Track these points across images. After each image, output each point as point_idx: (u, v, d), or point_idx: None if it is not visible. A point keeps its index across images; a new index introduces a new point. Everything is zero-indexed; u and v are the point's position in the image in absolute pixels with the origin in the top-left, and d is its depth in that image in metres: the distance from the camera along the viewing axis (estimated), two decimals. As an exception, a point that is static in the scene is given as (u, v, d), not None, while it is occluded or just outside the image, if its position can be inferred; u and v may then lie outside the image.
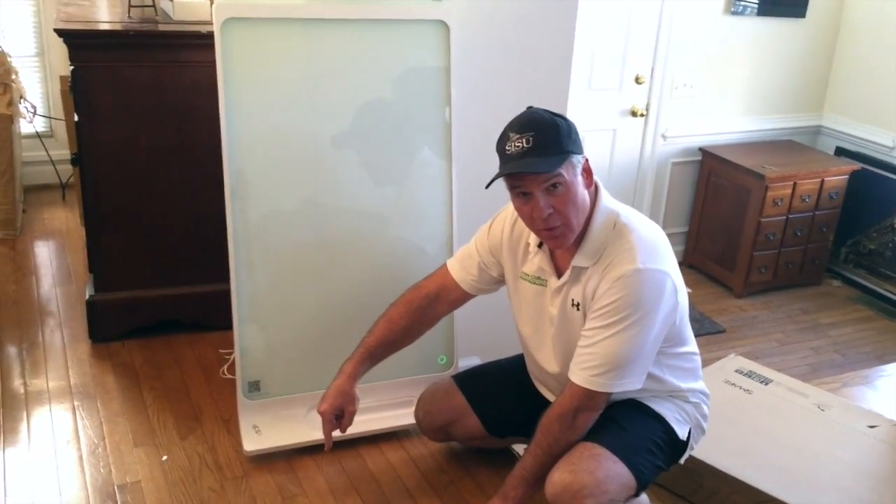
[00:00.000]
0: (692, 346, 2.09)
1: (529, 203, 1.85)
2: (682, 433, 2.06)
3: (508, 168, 1.84)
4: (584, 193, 1.89)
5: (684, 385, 2.07)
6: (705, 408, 2.14)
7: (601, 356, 1.87)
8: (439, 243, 2.57)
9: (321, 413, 2.16)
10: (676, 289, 1.91)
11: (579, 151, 1.87)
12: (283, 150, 2.38)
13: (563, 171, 1.82)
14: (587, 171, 1.91)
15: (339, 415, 2.18)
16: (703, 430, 2.15)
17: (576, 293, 1.96)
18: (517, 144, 1.82)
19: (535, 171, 1.81)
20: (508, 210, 2.10)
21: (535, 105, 1.93)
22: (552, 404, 1.99)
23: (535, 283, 2.06)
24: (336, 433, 2.20)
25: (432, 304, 2.23)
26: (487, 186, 1.89)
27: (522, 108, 1.94)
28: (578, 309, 1.96)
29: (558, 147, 1.82)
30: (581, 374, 1.90)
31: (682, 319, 2.00)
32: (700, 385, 2.12)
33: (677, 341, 2.02)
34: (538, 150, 1.81)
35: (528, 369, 2.26)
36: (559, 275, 1.99)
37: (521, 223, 2.01)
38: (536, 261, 2.04)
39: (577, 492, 1.83)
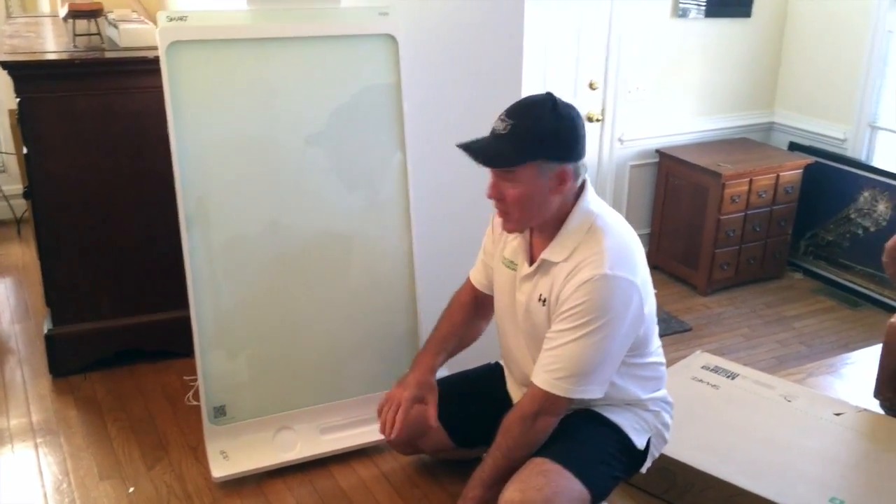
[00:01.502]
0: (658, 356, 2.07)
1: (490, 179, 1.88)
2: (639, 442, 2.03)
3: (471, 143, 1.84)
4: (544, 198, 1.86)
5: (644, 395, 2.04)
6: (666, 416, 2.12)
7: (564, 359, 1.86)
8: (400, 256, 2.56)
9: (401, 399, 2.09)
10: (643, 300, 1.89)
11: (556, 159, 1.82)
12: (240, 171, 2.36)
13: (520, 171, 1.81)
14: (560, 178, 1.85)
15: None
16: (664, 439, 2.13)
17: (544, 287, 1.94)
18: (497, 125, 1.82)
19: (483, 163, 1.83)
20: None
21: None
22: (513, 407, 1.98)
23: (508, 266, 2.06)
24: (304, 453, 2.16)
25: (476, 301, 2.26)
26: (461, 147, 1.85)
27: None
28: (544, 305, 1.94)
29: (528, 148, 1.80)
30: (543, 377, 1.89)
31: (647, 329, 1.98)
32: (662, 394, 2.10)
33: (642, 351, 2.00)
34: (508, 139, 1.80)
35: (503, 362, 2.26)
36: (531, 262, 1.99)
37: None
38: (515, 244, 2.04)
39: None
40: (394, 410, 2.10)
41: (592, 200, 1.95)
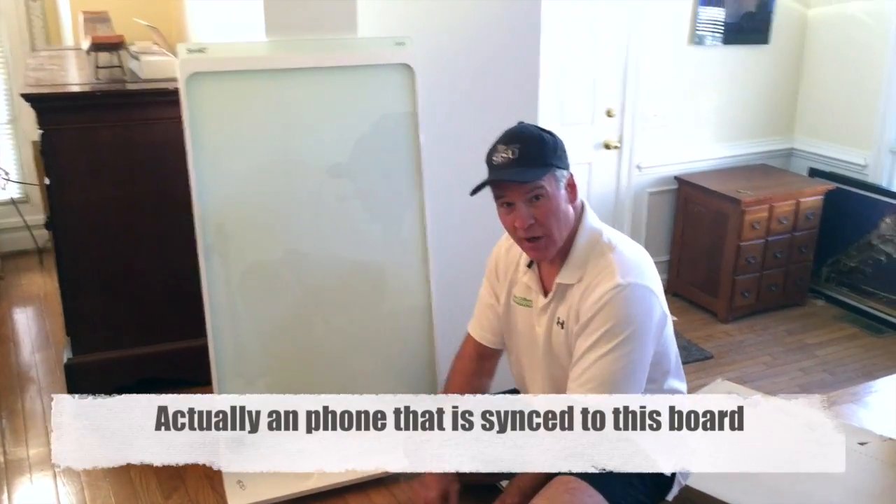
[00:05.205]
0: (679, 379, 2.07)
1: (512, 213, 1.89)
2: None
3: (493, 176, 1.89)
4: (567, 208, 1.93)
5: None
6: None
7: (595, 374, 1.85)
8: (418, 285, 2.56)
9: (429, 501, 2.09)
10: (662, 304, 1.92)
11: (564, 167, 1.93)
12: (259, 201, 2.38)
13: (545, 182, 1.87)
14: (571, 187, 1.95)
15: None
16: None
17: (562, 312, 1.96)
18: (503, 155, 1.88)
19: (517, 180, 1.85)
20: (504, 237, 2.12)
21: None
22: None
23: (522, 304, 2.07)
24: (321, 483, 2.15)
25: (481, 358, 2.22)
26: (473, 193, 1.91)
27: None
28: (563, 328, 1.95)
29: (542, 160, 1.88)
30: (577, 391, 1.86)
31: (666, 346, 1.98)
32: None
33: (666, 387, 2.01)
34: (523, 161, 1.86)
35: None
36: (545, 293, 2.00)
37: (516, 247, 2.02)
38: (525, 280, 2.05)
39: None
40: None
41: (594, 219, 2.01)
